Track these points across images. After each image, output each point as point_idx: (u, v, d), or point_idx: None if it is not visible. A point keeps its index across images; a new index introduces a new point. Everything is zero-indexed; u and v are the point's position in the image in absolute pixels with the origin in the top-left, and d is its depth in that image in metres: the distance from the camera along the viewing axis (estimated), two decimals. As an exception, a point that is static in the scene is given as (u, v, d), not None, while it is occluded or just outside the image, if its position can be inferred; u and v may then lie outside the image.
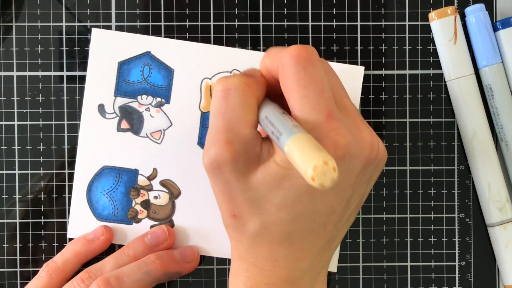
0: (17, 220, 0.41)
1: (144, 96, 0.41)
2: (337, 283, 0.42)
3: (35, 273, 0.41)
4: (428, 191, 0.42)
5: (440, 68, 0.42)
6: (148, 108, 0.41)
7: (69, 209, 0.41)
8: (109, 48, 0.41)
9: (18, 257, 0.42)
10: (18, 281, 0.42)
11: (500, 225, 0.41)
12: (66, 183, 0.41)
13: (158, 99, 0.41)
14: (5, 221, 0.41)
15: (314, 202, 0.32)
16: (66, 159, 0.41)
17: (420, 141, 0.42)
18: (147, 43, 0.41)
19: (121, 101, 0.41)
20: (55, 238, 0.41)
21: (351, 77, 0.41)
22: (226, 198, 0.33)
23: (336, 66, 0.41)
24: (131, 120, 0.41)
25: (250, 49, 0.41)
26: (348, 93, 0.34)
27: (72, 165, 0.41)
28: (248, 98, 0.32)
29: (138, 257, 0.40)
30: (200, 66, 0.41)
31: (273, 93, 0.34)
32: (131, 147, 0.41)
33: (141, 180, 0.41)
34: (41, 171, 0.41)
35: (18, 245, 0.41)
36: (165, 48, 0.41)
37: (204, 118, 0.41)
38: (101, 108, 0.41)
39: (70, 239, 0.41)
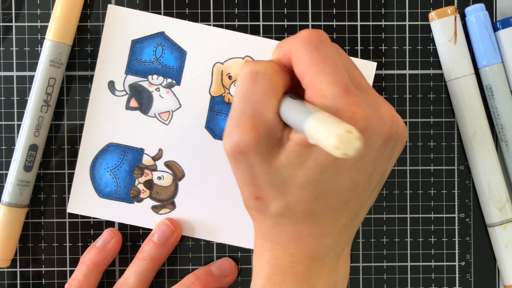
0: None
1: (155, 76, 0.41)
2: (337, 283, 0.42)
3: (35, 272, 0.41)
4: (428, 191, 0.42)
5: (440, 68, 0.42)
6: (158, 88, 0.41)
7: (69, 185, 0.41)
8: (123, 25, 0.41)
9: (18, 257, 0.42)
10: (18, 281, 0.42)
11: (500, 225, 0.41)
12: (66, 183, 0.41)
13: (169, 80, 0.41)
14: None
15: (337, 178, 0.31)
16: (66, 159, 0.41)
17: (420, 141, 0.42)
18: (162, 23, 0.41)
19: (132, 79, 0.41)
20: (55, 238, 0.42)
21: (362, 71, 0.41)
22: (249, 181, 0.32)
23: None
24: (140, 99, 0.41)
25: (263, 36, 0.41)
26: None
27: (71, 164, 0.41)
28: (276, 84, 0.31)
29: (154, 258, 0.40)
30: (213, 50, 0.41)
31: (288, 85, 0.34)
32: (138, 126, 0.41)
33: (146, 160, 0.41)
34: (41, 171, 0.41)
35: (18, 245, 0.41)
36: (180, 30, 0.41)
37: (213, 102, 0.41)
38: (111, 85, 0.41)
39: (70, 214, 0.41)
